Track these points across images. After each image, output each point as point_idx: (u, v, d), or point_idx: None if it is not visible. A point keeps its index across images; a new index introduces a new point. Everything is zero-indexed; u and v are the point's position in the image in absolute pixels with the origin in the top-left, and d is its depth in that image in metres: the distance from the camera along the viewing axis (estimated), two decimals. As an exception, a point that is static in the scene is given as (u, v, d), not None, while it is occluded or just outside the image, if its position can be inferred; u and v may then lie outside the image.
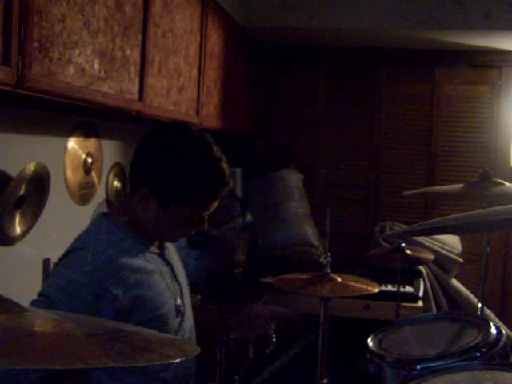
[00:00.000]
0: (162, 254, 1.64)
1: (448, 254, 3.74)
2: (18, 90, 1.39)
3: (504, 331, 1.64)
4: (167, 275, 1.61)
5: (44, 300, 1.38)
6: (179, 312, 1.60)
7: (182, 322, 1.62)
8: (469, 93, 4.10)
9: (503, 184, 2.20)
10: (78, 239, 1.53)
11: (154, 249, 1.61)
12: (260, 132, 4.23)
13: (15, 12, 1.33)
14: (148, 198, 1.52)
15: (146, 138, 1.58)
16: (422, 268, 3.57)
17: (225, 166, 1.55)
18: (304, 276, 2.15)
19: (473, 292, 3.73)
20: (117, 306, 1.43)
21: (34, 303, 1.37)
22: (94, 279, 1.41)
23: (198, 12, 2.69)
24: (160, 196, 1.51)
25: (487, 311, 3.50)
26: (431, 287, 3.64)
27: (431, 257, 2.93)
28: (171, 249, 1.74)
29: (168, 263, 1.64)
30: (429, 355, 1.61)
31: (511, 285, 4.10)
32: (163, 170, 1.51)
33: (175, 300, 1.60)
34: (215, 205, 1.59)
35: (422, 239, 3.71)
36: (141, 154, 1.57)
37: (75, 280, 1.40)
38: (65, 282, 1.41)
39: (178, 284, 1.66)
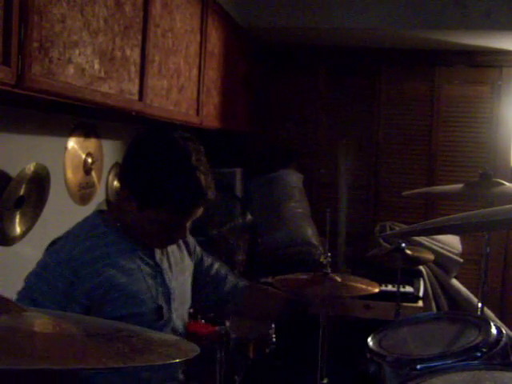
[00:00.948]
0: (151, 256, 1.63)
1: (448, 254, 3.74)
2: (18, 90, 1.39)
3: (504, 331, 1.63)
4: (151, 277, 1.60)
5: (24, 287, 1.46)
6: (161, 315, 1.60)
7: (164, 326, 1.61)
8: (469, 93, 4.10)
9: (503, 184, 2.20)
10: (67, 231, 1.58)
11: (140, 249, 1.61)
12: (260, 132, 4.23)
13: (15, 12, 1.33)
14: (128, 199, 1.55)
15: (132, 140, 1.62)
16: (422, 268, 3.57)
17: (202, 176, 1.52)
18: (304, 276, 2.14)
19: (473, 292, 3.73)
20: (90, 296, 1.47)
21: (18, 293, 1.45)
22: (68, 268, 1.46)
23: (198, 12, 2.69)
24: (137, 198, 1.54)
25: (487, 311, 3.49)
26: (431, 287, 3.64)
27: (431, 257, 2.92)
28: (171, 253, 1.73)
29: (157, 265, 1.64)
30: (429, 355, 1.60)
31: (511, 285, 4.10)
32: (140, 173, 1.54)
33: (156, 302, 1.59)
34: (196, 214, 1.58)
35: (422, 239, 3.71)
36: (125, 155, 1.62)
37: (50, 267, 1.47)
38: (41, 268, 1.48)
39: (167, 288, 1.64)
